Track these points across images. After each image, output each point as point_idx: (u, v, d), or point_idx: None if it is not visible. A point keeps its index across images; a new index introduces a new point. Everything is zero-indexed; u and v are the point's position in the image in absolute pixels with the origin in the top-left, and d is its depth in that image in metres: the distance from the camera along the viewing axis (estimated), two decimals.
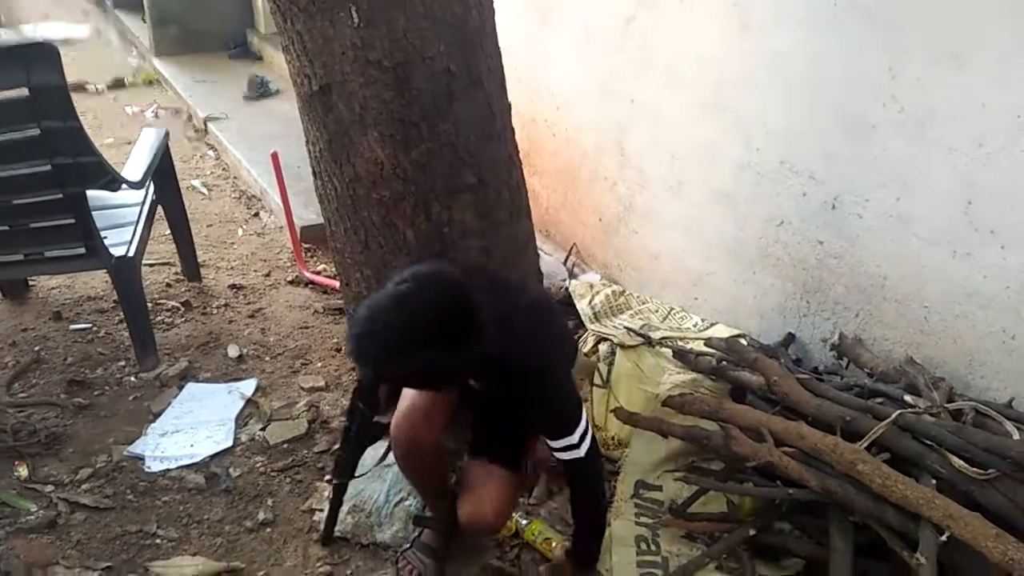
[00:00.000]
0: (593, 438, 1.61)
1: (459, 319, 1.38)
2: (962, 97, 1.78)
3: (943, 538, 1.46)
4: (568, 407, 1.58)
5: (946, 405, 1.71)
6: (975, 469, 1.54)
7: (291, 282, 3.09)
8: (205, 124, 4.57)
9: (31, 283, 2.91)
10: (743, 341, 2.20)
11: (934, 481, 1.56)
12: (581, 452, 1.57)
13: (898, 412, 1.66)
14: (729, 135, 2.36)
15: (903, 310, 1.99)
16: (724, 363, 2.01)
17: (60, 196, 2.23)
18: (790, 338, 2.24)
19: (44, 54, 2.07)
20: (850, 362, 2.05)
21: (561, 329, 1.88)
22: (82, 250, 2.36)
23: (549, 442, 1.58)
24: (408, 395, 1.73)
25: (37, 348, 2.58)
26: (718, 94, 2.37)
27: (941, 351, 1.92)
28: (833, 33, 2.01)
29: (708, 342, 2.09)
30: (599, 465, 1.68)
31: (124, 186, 2.47)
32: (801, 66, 2.11)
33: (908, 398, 1.74)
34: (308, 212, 3.36)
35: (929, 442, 1.62)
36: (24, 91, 2.07)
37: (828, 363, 2.15)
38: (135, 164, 2.61)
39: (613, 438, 2.16)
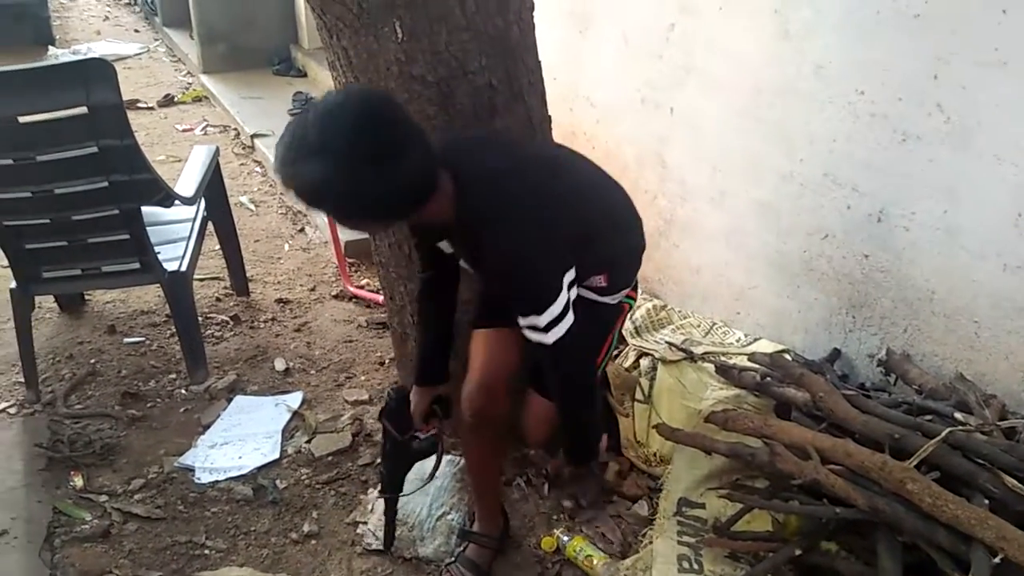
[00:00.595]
0: (571, 335, 1.47)
1: (385, 129, 1.31)
2: (1010, 105, 1.75)
3: (996, 560, 1.42)
4: (533, 283, 1.45)
5: (998, 423, 1.67)
6: None
7: (335, 296, 3.14)
8: (252, 140, 4.67)
9: (87, 297, 3.01)
10: (787, 357, 2.18)
11: (987, 501, 1.52)
12: (547, 340, 1.45)
13: (948, 430, 1.62)
14: (771, 145, 2.35)
15: (952, 325, 1.95)
16: (768, 379, 1.99)
17: (116, 212, 2.31)
18: (836, 354, 2.21)
19: (102, 73, 2.15)
20: (898, 378, 2.02)
21: (571, 197, 1.62)
22: (137, 265, 2.44)
23: (533, 319, 1.46)
24: (477, 365, 1.71)
25: (93, 361, 2.66)
26: (759, 103, 2.36)
27: (992, 367, 1.87)
28: (875, 40, 1.99)
29: (752, 357, 2.07)
30: (574, 361, 1.55)
31: (177, 202, 2.54)
32: (843, 74, 2.09)
33: (959, 416, 1.71)
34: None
35: (981, 461, 1.59)
36: (83, 109, 2.14)
37: (875, 379, 2.12)
38: (187, 181, 2.68)
39: (655, 454, 2.15)
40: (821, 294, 2.28)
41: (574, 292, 1.51)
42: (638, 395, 2.25)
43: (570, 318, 1.48)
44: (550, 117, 2.16)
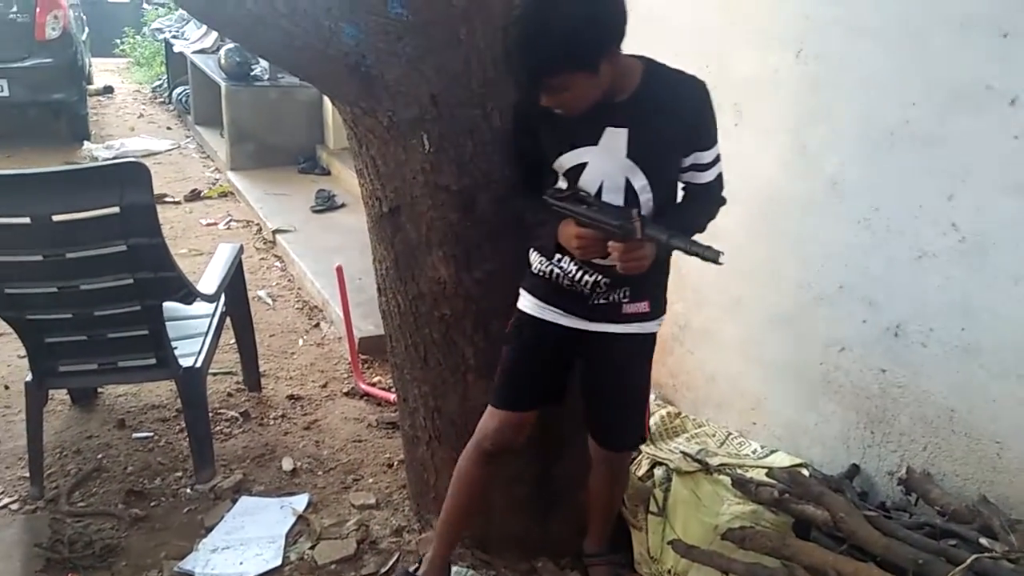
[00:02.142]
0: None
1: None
2: None
3: None
4: (714, 121, 1.68)
5: None
6: None
7: (347, 393, 3.14)
8: (274, 236, 4.77)
9: (99, 391, 3.01)
10: (805, 471, 2.13)
11: None
12: (710, 176, 1.72)
13: (974, 556, 1.57)
14: (787, 257, 2.37)
15: (973, 445, 1.91)
16: (787, 495, 1.95)
17: (138, 309, 2.34)
18: (854, 470, 2.16)
19: (137, 174, 2.21)
20: (919, 498, 1.96)
21: None
22: (153, 360, 2.45)
23: (705, 156, 1.67)
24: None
25: (100, 456, 2.64)
26: (775, 215, 2.40)
27: (1017, 491, 1.82)
28: (890, 159, 2.04)
29: (770, 473, 2.03)
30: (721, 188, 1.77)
31: (198, 299, 2.58)
32: (857, 191, 2.13)
33: (984, 541, 1.65)
34: (367, 323, 3.44)
35: None
36: (115, 209, 2.19)
37: (895, 498, 2.06)
38: (210, 278, 2.73)
39: (670, 571, 2.07)
40: (838, 407, 2.25)
41: None
42: (652, 507, 2.20)
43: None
44: None
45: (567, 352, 1.85)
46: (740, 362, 2.57)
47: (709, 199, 1.77)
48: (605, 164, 1.65)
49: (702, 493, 2.15)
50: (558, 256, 1.76)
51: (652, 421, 2.54)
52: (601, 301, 1.76)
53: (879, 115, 2.05)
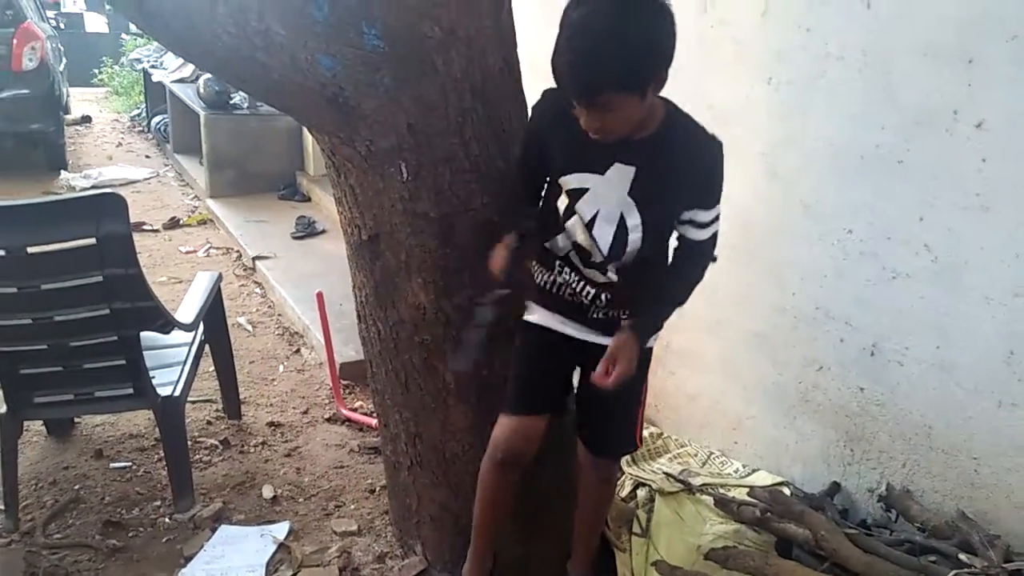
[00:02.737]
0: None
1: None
2: (995, 247, 1.81)
3: None
4: (720, 184, 1.67)
5: (1004, 565, 1.63)
6: None
7: (328, 419, 3.12)
8: (254, 262, 4.76)
9: (76, 420, 2.97)
10: (786, 490, 2.15)
11: None
12: (705, 235, 1.68)
13: (954, 572, 1.59)
14: (763, 279, 2.40)
15: (951, 461, 1.94)
16: (768, 514, 1.96)
17: (115, 339, 2.32)
18: (835, 487, 2.18)
19: (113, 206, 2.20)
20: (899, 515, 1.98)
21: None
22: (130, 390, 2.43)
23: (702, 215, 1.65)
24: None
25: (77, 487, 2.60)
26: (749, 239, 2.43)
27: (994, 506, 1.85)
28: (861, 182, 2.08)
29: (752, 492, 2.04)
30: (711, 254, 1.75)
31: (176, 328, 2.56)
32: (830, 214, 2.17)
33: (963, 557, 1.67)
34: (348, 349, 3.43)
35: None
36: (91, 240, 2.19)
37: (876, 515, 2.08)
38: (188, 307, 2.71)
39: None
40: (818, 426, 2.27)
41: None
42: (635, 528, 2.20)
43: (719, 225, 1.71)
44: None
45: (570, 360, 1.86)
46: (721, 382, 2.59)
47: (698, 258, 1.76)
48: (606, 195, 1.68)
49: (685, 513, 2.16)
50: (559, 265, 1.79)
51: None
52: (600, 316, 1.79)
53: (849, 140, 2.10)
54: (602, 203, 1.68)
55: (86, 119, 9.37)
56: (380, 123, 1.88)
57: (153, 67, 8.27)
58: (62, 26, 9.80)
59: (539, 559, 2.21)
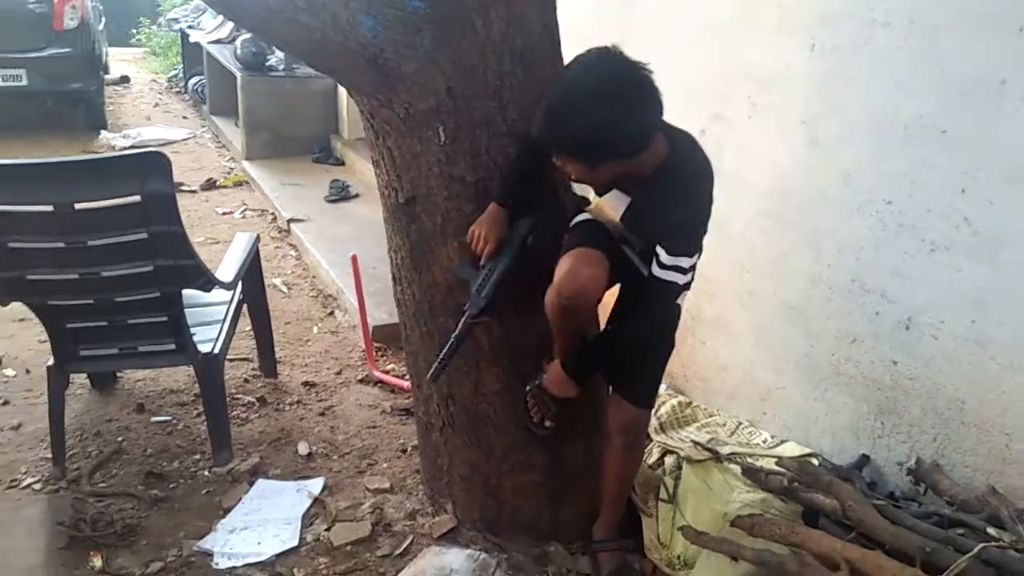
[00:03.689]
0: (680, 289, 1.75)
1: (638, 81, 1.57)
2: None
3: None
4: (696, 232, 1.74)
5: None
6: None
7: (361, 381, 3.17)
8: (288, 225, 4.81)
9: (119, 375, 3.06)
10: (815, 461, 2.15)
11: None
12: (680, 281, 1.72)
13: (982, 545, 1.59)
14: (799, 249, 2.38)
15: (983, 437, 1.93)
16: (796, 484, 1.97)
17: (158, 295, 2.38)
18: (864, 460, 2.18)
19: (157, 164, 2.24)
20: (928, 488, 1.98)
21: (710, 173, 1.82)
22: (172, 346, 2.50)
23: (663, 255, 1.70)
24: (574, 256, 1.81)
25: (120, 439, 2.69)
26: (787, 207, 2.41)
27: None
28: (903, 152, 2.05)
29: (780, 462, 2.05)
30: (664, 308, 1.82)
31: (216, 286, 2.62)
32: (871, 184, 2.14)
33: (992, 531, 1.67)
34: (380, 312, 3.47)
35: None
36: (136, 198, 2.23)
37: (904, 488, 2.08)
38: (228, 266, 2.77)
39: (679, 557, 2.10)
40: (849, 398, 2.27)
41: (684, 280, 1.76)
42: (662, 494, 2.23)
43: (689, 279, 1.75)
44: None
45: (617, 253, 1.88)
46: (752, 353, 2.59)
47: (647, 298, 1.80)
48: (605, 211, 1.82)
49: (712, 481, 2.18)
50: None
51: (663, 410, 2.57)
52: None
53: (893, 109, 2.06)
54: (606, 214, 1.84)
55: (124, 79, 9.46)
56: (419, 85, 1.89)
57: (190, 27, 8.30)
58: None
59: (566, 523, 2.25)
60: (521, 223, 1.92)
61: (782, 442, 2.38)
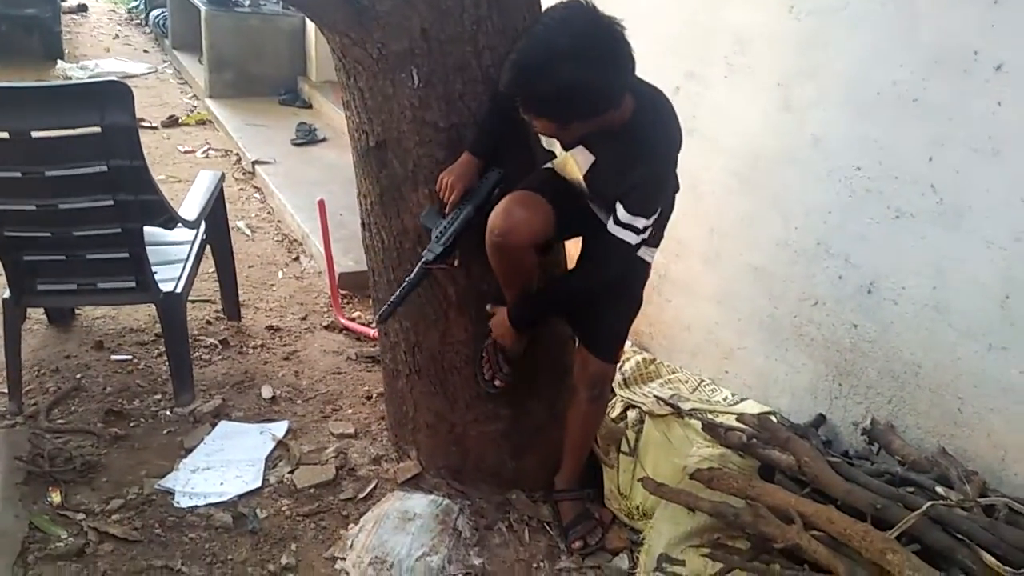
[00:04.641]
0: (634, 249, 1.74)
1: (611, 40, 1.54)
2: (1001, 191, 1.82)
3: None
4: (659, 193, 1.76)
5: (978, 500, 1.70)
6: (1007, 568, 1.53)
7: (326, 327, 3.15)
8: (253, 167, 4.71)
9: (77, 312, 2.99)
10: (773, 419, 2.20)
11: None
12: (632, 240, 1.71)
13: (930, 503, 1.65)
14: (767, 212, 2.41)
15: (936, 400, 1.99)
16: (754, 440, 2.02)
17: (118, 231, 2.32)
18: (821, 419, 2.24)
19: (118, 95, 2.17)
20: (881, 448, 2.05)
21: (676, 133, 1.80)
22: (133, 284, 2.44)
23: (620, 212, 1.69)
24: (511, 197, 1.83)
25: (79, 376, 2.64)
26: (757, 169, 2.43)
27: (974, 444, 1.91)
28: (874, 119, 2.07)
29: (740, 418, 2.10)
30: (619, 267, 1.79)
31: (179, 224, 2.56)
32: (841, 149, 2.16)
33: (940, 490, 1.74)
34: (347, 259, 3.44)
35: (961, 536, 1.61)
36: (96, 129, 2.16)
37: (858, 448, 2.15)
38: (191, 204, 2.70)
39: (638, 508, 2.15)
40: (809, 360, 2.32)
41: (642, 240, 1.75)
42: (623, 447, 2.27)
43: (641, 239, 1.73)
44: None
45: (579, 206, 1.89)
46: (716, 313, 2.63)
47: (600, 256, 1.82)
48: (573, 170, 1.80)
49: (673, 436, 2.22)
50: None
51: (627, 366, 2.60)
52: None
53: (866, 75, 2.08)
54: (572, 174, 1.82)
55: (82, 8, 9.08)
56: (393, 25, 1.85)
57: None
58: None
59: (529, 472, 2.28)
60: (490, 174, 1.92)
61: (742, 400, 2.43)
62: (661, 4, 2.71)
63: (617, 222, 1.71)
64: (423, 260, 1.94)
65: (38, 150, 2.18)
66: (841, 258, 2.20)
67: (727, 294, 2.59)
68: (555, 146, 1.96)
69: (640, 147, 1.70)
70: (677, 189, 1.96)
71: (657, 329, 2.87)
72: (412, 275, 1.97)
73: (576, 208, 1.88)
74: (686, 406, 2.30)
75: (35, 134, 2.16)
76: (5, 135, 2.13)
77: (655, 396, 2.37)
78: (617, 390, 2.49)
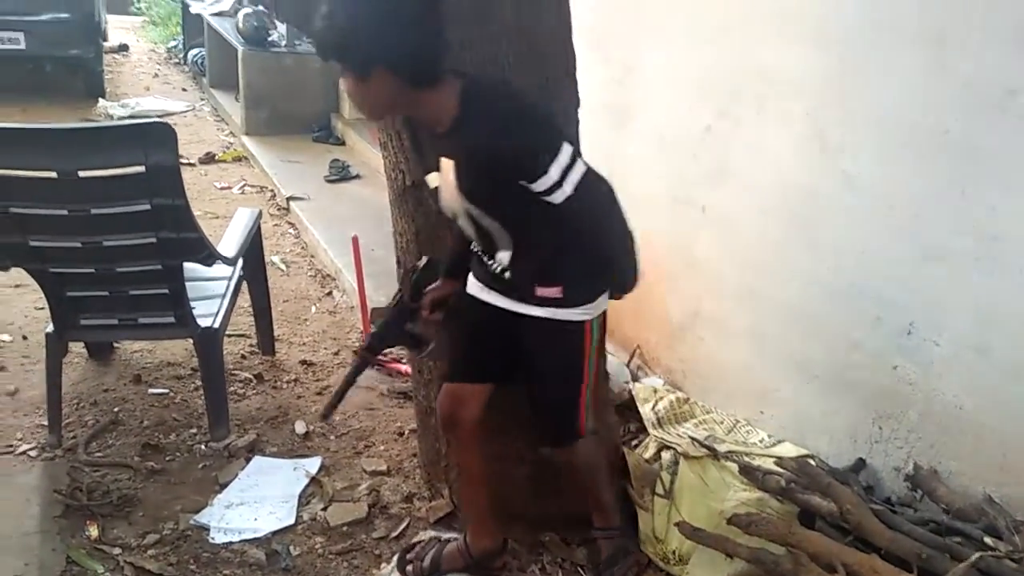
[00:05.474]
0: (585, 190, 1.61)
1: (411, 5, 1.51)
2: None
3: None
4: (524, 158, 1.58)
5: None
6: None
7: None
8: (288, 203, 4.79)
9: (116, 345, 3.04)
10: (812, 462, 2.17)
11: None
12: (562, 194, 1.59)
13: (979, 554, 1.61)
14: (801, 251, 2.39)
15: (981, 445, 1.95)
16: (794, 484, 1.98)
17: (160, 267, 2.36)
18: (861, 464, 2.20)
19: (163, 135, 2.22)
20: (924, 495, 2.00)
21: (541, 125, 1.67)
22: (172, 319, 2.48)
23: (531, 186, 1.59)
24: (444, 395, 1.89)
25: (116, 409, 2.68)
26: (792, 209, 2.42)
27: (1022, 492, 1.86)
28: (907, 155, 2.05)
29: (780, 462, 2.07)
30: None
31: (217, 261, 2.60)
32: (875, 188, 2.14)
33: (988, 540, 1.69)
34: (379, 295, 3.46)
35: None
36: (141, 168, 2.21)
37: (901, 494, 2.10)
38: (229, 241, 2.75)
39: (674, 552, 2.11)
40: (847, 402, 2.28)
41: (577, 170, 1.60)
42: (658, 489, 2.24)
43: (573, 179, 1.59)
44: None
45: (504, 330, 1.83)
46: (751, 352, 2.60)
47: (567, 223, 1.66)
48: (449, 191, 1.69)
49: (709, 478, 2.19)
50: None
51: (661, 405, 2.58)
52: (504, 275, 1.78)
53: (900, 112, 2.07)
54: (451, 199, 1.70)
55: (123, 47, 9.34)
56: None
57: None
58: None
59: (560, 514, 2.25)
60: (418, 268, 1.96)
61: (779, 443, 2.40)
62: (693, 43, 2.73)
63: (550, 191, 1.59)
64: (360, 350, 2.03)
65: (85, 189, 2.24)
66: (878, 298, 2.17)
67: (761, 333, 2.56)
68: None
69: (481, 126, 1.58)
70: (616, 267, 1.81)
71: (690, 368, 2.85)
72: (351, 368, 2.04)
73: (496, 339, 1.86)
74: (722, 448, 2.27)
75: (82, 173, 2.22)
76: (54, 175, 2.19)
77: (690, 437, 2.34)
78: (651, 430, 2.47)
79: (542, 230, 1.69)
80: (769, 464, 2.11)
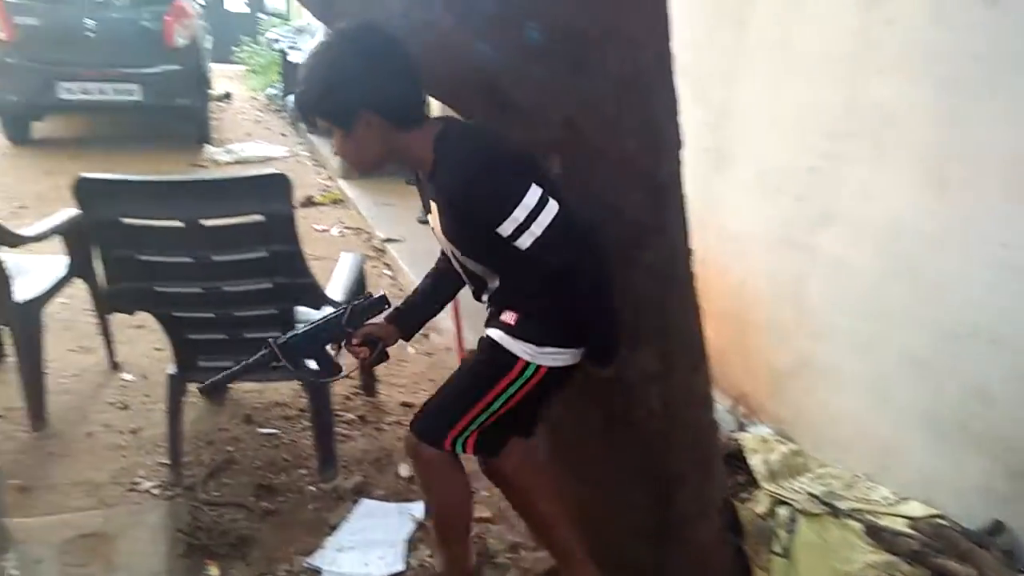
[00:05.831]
0: (553, 230, 1.58)
1: (384, 53, 1.59)
2: None
3: None
4: (491, 205, 1.59)
5: None
6: None
7: None
8: (384, 244, 4.90)
9: (228, 386, 3.15)
10: (943, 522, 2.04)
11: None
12: (528, 239, 1.57)
13: None
14: (922, 297, 2.29)
15: None
16: (927, 548, 1.87)
17: (275, 312, 2.45)
18: (999, 526, 2.06)
19: (279, 185, 2.32)
20: None
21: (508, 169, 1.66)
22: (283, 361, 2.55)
23: (500, 231, 1.59)
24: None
25: (230, 448, 2.77)
26: (909, 251, 2.32)
27: None
28: None
29: (914, 524, 1.96)
30: (561, 253, 1.61)
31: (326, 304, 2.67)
32: (1000, 228, 2.04)
33: None
34: (474, 336, 3.48)
35: None
36: (259, 217, 2.31)
37: None
38: (337, 284, 2.84)
39: None
40: (978, 458, 2.15)
41: (547, 212, 1.59)
42: (776, 547, 2.15)
43: (542, 221, 1.58)
44: (691, 250, 2.19)
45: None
46: (869, 403, 2.49)
47: (542, 270, 1.63)
48: (438, 234, 1.76)
49: (830, 538, 2.09)
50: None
51: (773, 456, 2.48)
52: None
53: (1022, 149, 1.96)
54: (441, 242, 1.80)
55: (227, 96, 9.86)
56: (533, 116, 1.88)
57: (291, 48, 8.60)
58: (203, 4, 10.33)
59: (675, 567, 2.19)
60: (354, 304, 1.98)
61: (903, 500, 2.27)
62: (798, 81, 2.68)
63: (515, 237, 1.58)
64: (267, 345, 1.96)
65: (207, 237, 2.34)
66: (1006, 345, 2.05)
67: (880, 384, 2.45)
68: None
69: (452, 174, 1.62)
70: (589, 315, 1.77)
71: (801, 418, 2.75)
72: (252, 358, 1.95)
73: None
74: (843, 505, 2.17)
75: (205, 222, 2.33)
76: (181, 224, 2.31)
77: (808, 492, 2.24)
78: (763, 483, 2.38)
79: (518, 272, 1.71)
80: (897, 524, 2.00)
